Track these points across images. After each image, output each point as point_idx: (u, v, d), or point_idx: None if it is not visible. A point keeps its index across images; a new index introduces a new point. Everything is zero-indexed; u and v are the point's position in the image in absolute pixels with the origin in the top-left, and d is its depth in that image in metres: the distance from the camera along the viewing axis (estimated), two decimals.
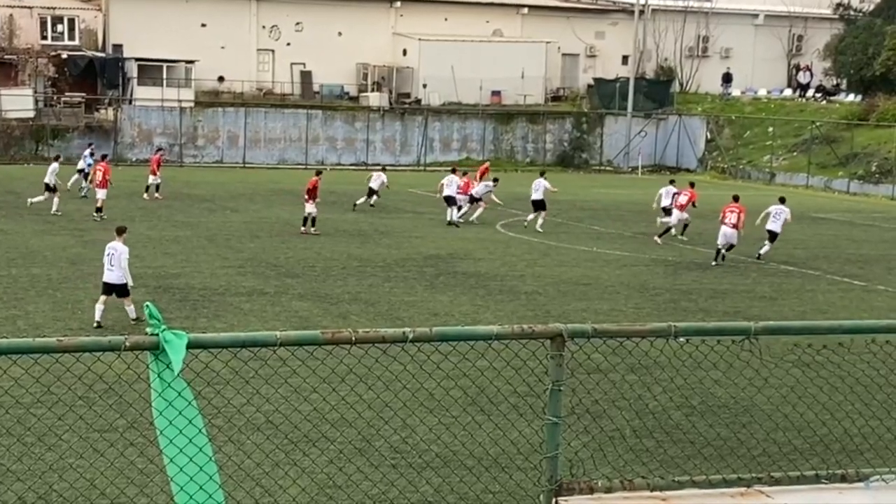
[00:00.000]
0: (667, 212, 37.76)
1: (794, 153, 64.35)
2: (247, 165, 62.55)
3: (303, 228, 34.77)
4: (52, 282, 24.96)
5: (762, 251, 32.55)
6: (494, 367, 7.72)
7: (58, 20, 64.75)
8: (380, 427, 13.18)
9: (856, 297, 26.66)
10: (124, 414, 13.00)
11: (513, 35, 73.23)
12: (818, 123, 64.23)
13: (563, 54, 74.17)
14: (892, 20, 68.22)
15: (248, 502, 10.97)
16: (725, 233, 31.34)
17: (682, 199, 36.29)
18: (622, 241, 35.84)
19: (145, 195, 43.45)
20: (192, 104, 63.71)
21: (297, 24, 69.17)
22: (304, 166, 63.22)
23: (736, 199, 32.76)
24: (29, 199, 39.01)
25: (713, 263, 31.17)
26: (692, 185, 37.88)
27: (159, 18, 65.07)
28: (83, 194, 42.49)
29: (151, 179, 43.57)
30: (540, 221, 37.42)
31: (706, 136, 69.83)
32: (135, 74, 63.66)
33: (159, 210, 39.82)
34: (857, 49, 69.18)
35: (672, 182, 40.61)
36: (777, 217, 32.86)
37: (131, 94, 63.56)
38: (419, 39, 69.23)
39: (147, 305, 5.25)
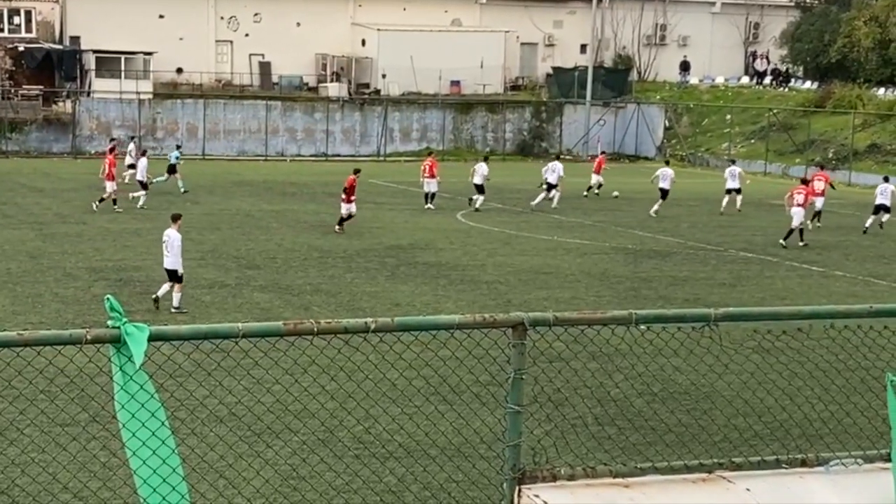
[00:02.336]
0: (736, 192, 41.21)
1: (752, 140, 64.79)
2: (206, 157, 62.20)
3: (338, 228, 33.50)
4: (12, 276, 24.75)
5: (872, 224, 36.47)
6: (456, 357, 7.74)
7: (14, 12, 64.07)
8: (343, 418, 13.18)
9: (814, 283, 26.91)
10: (86, 408, 12.92)
11: (471, 25, 73.22)
12: (775, 111, 64.71)
13: (522, 43, 74.27)
14: (848, 8, 68.78)
15: (212, 494, 10.95)
16: (797, 212, 33.01)
17: (819, 185, 37.82)
18: (582, 229, 35.98)
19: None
20: (150, 96, 63.29)
21: (256, 14, 68.87)
22: (264, 158, 63.02)
23: (804, 181, 36.03)
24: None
25: (800, 244, 32.81)
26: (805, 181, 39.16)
27: (117, 10, 64.57)
28: (182, 189, 42.82)
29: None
30: (480, 202, 39.92)
31: (664, 124, 70.18)
32: (92, 66, 63.17)
33: (113, 206, 39.50)
34: (813, 36, 69.71)
35: (733, 162, 45.27)
36: (883, 194, 36.98)
37: (89, 87, 63.05)
38: (378, 30, 69.09)
39: (108, 298, 5.22)
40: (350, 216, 33.79)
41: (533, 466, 5.87)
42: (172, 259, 21.70)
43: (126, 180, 43.65)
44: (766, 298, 24.39)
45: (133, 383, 5.13)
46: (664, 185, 40.83)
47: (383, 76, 68.48)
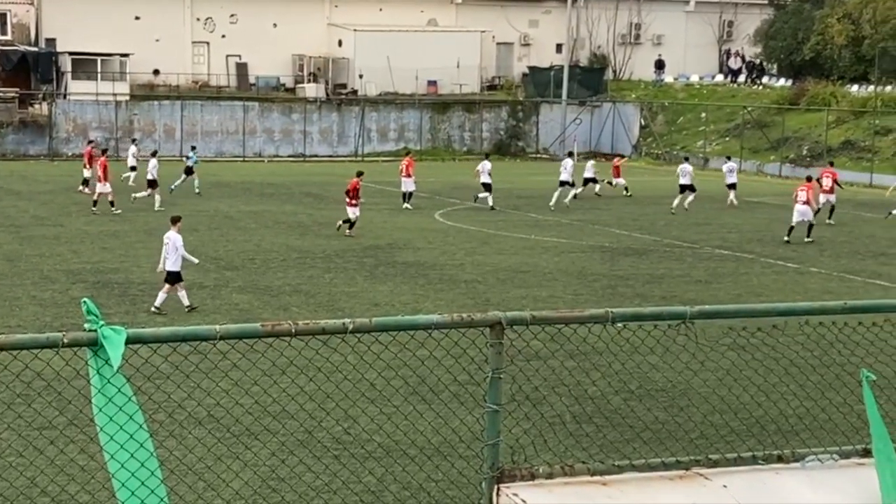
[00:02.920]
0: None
1: (727, 138, 65.02)
2: (184, 158, 61.93)
3: (342, 225, 33.04)
4: None
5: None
6: (435, 357, 7.76)
7: None
8: (322, 418, 13.18)
9: (789, 280, 27.05)
10: (64, 411, 12.88)
11: (447, 25, 73.25)
12: (750, 108, 64.97)
13: (498, 43, 74.34)
14: (821, 5, 69.12)
15: (191, 497, 10.94)
16: (799, 209, 33.61)
17: (826, 182, 38.68)
18: (559, 228, 36.06)
19: (80, 188, 43.08)
20: (127, 98, 63.04)
21: (232, 16, 68.71)
22: (241, 158, 62.87)
23: (808, 179, 36.50)
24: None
25: (785, 239, 33.34)
26: (814, 179, 40.11)
27: (93, 12, 64.28)
28: (196, 191, 43.20)
29: (87, 173, 43.21)
30: (490, 199, 40.73)
31: (640, 123, 70.36)
32: (69, 68, 62.88)
33: (91, 207, 39.36)
34: (787, 34, 70.03)
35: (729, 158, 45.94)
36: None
37: (65, 89, 62.76)
38: (354, 30, 69.04)
39: (84, 302, 5.21)
40: (355, 219, 33.13)
41: (511, 465, 5.90)
42: (174, 261, 21.79)
43: (131, 181, 44.47)
44: (742, 295, 24.50)
45: (110, 386, 5.14)
46: (684, 180, 41.73)
47: (360, 76, 68.43)
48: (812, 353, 8.37)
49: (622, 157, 56.21)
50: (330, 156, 65.12)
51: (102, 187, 37.34)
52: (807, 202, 33.71)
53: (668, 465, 6.06)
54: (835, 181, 39.09)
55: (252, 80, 68.64)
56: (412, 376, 12.00)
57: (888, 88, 62.12)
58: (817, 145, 59.46)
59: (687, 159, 45.28)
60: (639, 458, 6.37)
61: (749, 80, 72.86)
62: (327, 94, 67.89)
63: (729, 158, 46.34)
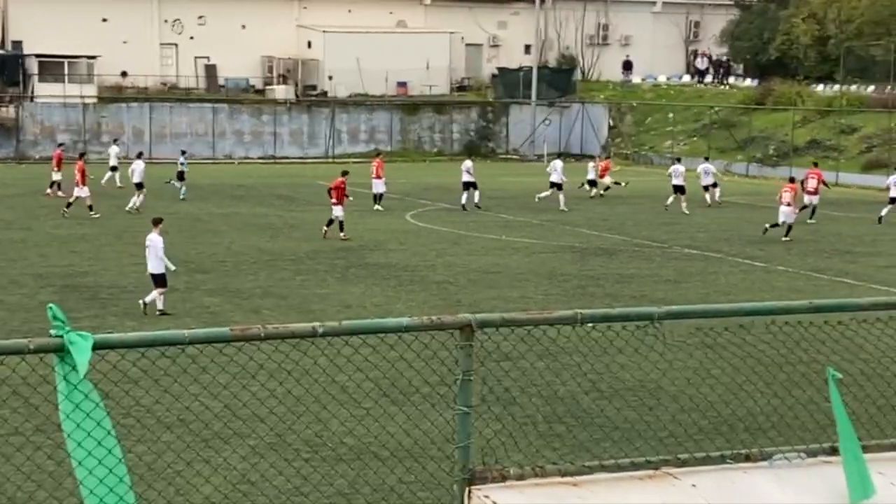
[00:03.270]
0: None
1: (695, 138, 65.29)
2: (153, 161, 61.60)
3: (327, 230, 32.56)
4: None
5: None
6: (405, 359, 7.76)
7: None
8: (292, 422, 13.15)
9: (757, 279, 27.21)
10: (31, 417, 12.79)
11: (417, 26, 73.22)
12: (716, 108, 65.29)
13: (467, 44, 74.37)
14: (786, 5, 69.55)
15: (161, 502, 10.88)
16: (784, 211, 34.14)
17: (811, 183, 39.00)
18: (530, 228, 36.13)
19: (49, 191, 42.86)
20: (94, 100, 62.68)
21: (200, 17, 68.41)
22: (211, 160, 62.60)
23: (791, 180, 37.13)
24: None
25: (764, 230, 34.23)
26: (815, 164, 41.94)
27: (59, 14, 63.85)
28: (182, 196, 42.99)
29: (56, 176, 42.99)
30: (477, 197, 40.99)
31: (609, 123, 70.57)
32: (35, 71, 62.45)
33: (64, 208, 39.15)
34: (753, 34, 70.42)
35: (678, 160, 45.63)
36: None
37: (32, 91, 62.30)
38: (323, 31, 68.90)
39: (50, 307, 5.18)
40: (340, 221, 32.59)
41: (483, 467, 5.91)
42: (156, 263, 21.87)
43: (109, 181, 44.61)
44: (710, 294, 24.63)
45: (77, 392, 5.11)
46: (677, 181, 41.78)
47: (330, 78, 68.32)
48: (779, 351, 8.43)
49: (608, 158, 56.25)
50: (300, 157, 64.96)
51: (80, 191, 37.15)
52: (789, 203, 34.09)
53: (637, 465, 6.08)
54: (821, 181, 39.56)
55: (221, 81, 68.37)
56: (383, 379, 11.99)
57: (853, 88, 62.57)
58: (783, 145, 59.81)
59: (679, 160, 45.39)
60: (609, 458, 6.39)
61: (716, 81, 73.24)
62: (297, 96, 67.73)
63: (707, 159, 46.66)
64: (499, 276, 26.76)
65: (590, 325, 6.32)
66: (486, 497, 5.68)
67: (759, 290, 25.18)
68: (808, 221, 37.86)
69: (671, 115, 67.88)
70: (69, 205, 36.99)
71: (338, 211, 32.66)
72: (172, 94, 66.16)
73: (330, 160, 64.26)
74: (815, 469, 6.11)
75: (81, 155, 42.28)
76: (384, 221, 37.14)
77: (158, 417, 12.73)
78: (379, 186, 40.73)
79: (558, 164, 43.23)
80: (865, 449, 6.05)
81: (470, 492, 5.76)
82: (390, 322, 5.87)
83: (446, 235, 34.08)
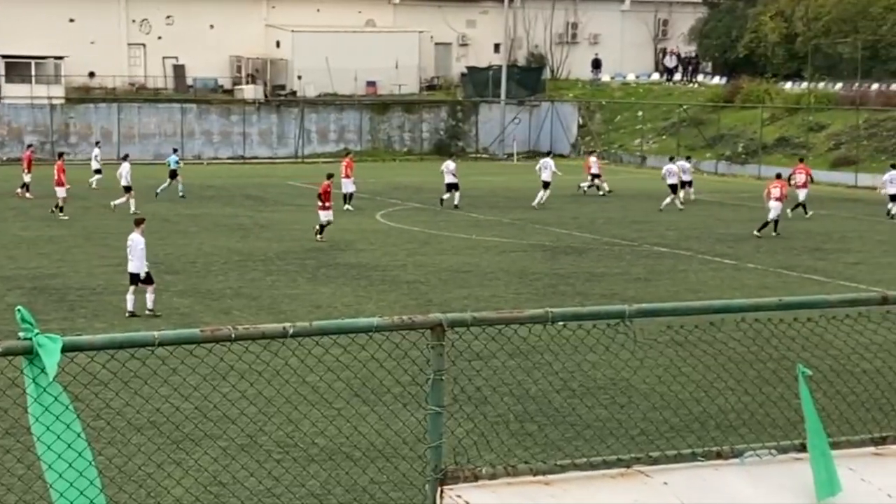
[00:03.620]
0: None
1: (664, 136, 65.55)
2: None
3: (318, 237, 32.21)
4: None
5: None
6: (376, 359, 7.75)
7: None
8: (264, 423, 13.11)
9: (727, 276, 27.34)
10: None
11: (385, 25, 73.16)
12: (685, 106, 65.57)
13: (436, 43, 74.36)
14: (754, 3, 69.94)
15: None
16: (774, 206, 34.45)
17: (800, 178, 39.76)
18: (500, 227, 36.17)
19: (18, 191, 42.61)
20: (62, 101, 62.31)
21: (168, 17, 68.09)
22: (180, 161, 62.19)
23: (779, 176, 37.58)
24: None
25: (756, 233, 34.20)
26: (801, 160, 43.05)
27: (26, 14, 63.39)
28: (181, 194, 43.13)
29: (27, 177, 42.78)
30: (458, 198, 41.19)
31: (578, 122, 70.75)
32: (2, 72, 62.01)
33: (32, 209, 38.91)
34: (721, 32, 70.77)
35: (671, 159, 45.72)
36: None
37: None
38: (292, 31, 68.73)
39: (18, 310, 5.14)
40: (328, 223, 32.54)
41: (455, 466, 5.90)
42: (137, 263, 21.89)
43: (94, 186, 44.71)
44: (681, 292, 24.73)
45: (47, 395, 5.07)
46: (671, 180, 42.40)
47: (299, 77, 68.16)
48: (749, 349, 8.48)
49: (594, 152, 56.14)
50: (270, 157, 64.80)
51: (61, 191, 37.13)
52: (780, 199, 34.47)
53: (609, 464, 6.09)
54: (808, 176, 40.30)
55: (189, 81, 68.08)
56: (354, 379, 11.96)
57: (821, 85, 62.98)
58: (752, 142, 60.12)
59: (671, 159, 45.46)
60: (581, 456, 6.40)
61: (684, 79, 73.55)
62: (266, 96, 67.54)
63: (688, 159, 47.19)
64: (469, 276, 26.78)
65: (560, 323, 6.32)
66: (459, 497, 5.68)
67: (729, 288, 25.31)
68: (805, 217, 38.51)
69: (640, 113, 68.12)
70: (61, 209, 36.97)
71: (326, 215, 32.54)
72: (141, 95, 65.85)
73: (299, 160, 64.15)
74: (786, 466, 6.14)
75: (60, 155, 42.52)
76: (354, 221, 37.08)
77: (129, 419, 12.66)
78: (349, 186, 40.67)
79: (549, 162, 43.27)
80: (836, 445, 6.08)
81: (442, 491, 5.75)
82: (361, 322, 5.85)
83: (417, 235, 34.08)
